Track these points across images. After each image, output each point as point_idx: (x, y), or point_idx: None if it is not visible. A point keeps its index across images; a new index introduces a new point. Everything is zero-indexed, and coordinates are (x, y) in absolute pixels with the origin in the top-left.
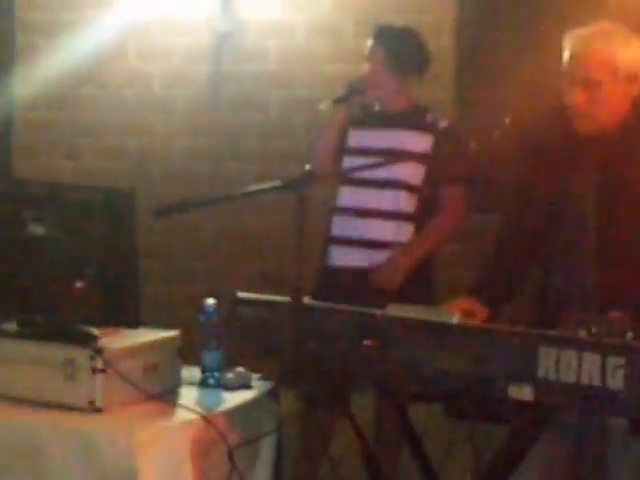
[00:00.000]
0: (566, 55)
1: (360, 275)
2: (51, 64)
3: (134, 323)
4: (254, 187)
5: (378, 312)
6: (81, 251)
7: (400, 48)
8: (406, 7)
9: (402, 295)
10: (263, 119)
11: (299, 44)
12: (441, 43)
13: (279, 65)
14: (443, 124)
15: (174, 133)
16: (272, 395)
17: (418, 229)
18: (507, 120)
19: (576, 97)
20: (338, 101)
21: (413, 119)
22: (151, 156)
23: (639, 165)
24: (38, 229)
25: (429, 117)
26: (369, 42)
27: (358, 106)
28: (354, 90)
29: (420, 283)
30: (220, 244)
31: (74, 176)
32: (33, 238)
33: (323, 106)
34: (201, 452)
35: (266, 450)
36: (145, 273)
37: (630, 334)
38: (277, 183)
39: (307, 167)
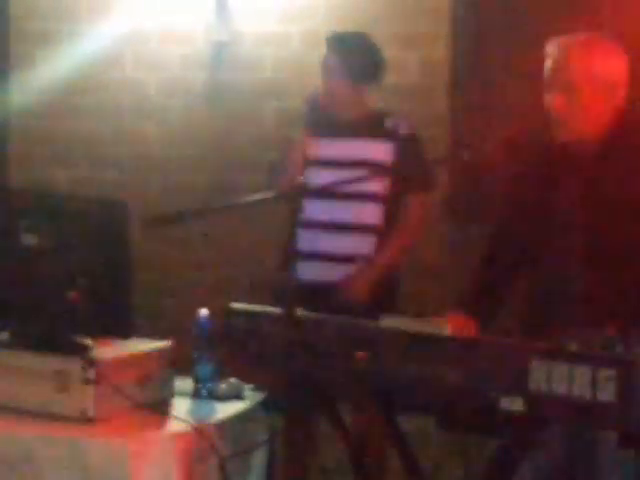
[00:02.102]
0: (547, 62)
1: (326, 290)
2: (47, 73)
3: (126, 333)
4: (247, 198)
5: (371, 324)
6: (74, 261)
7: (354, 55)
8: (401, 18)
9: (367, 306)
10: (258, 128)
11: (294, 54)
12: (436, 54)
13: (274, 75)
14: (404, 130)
15: (170, 142)
16: (264, 406)
17: (382, 239)
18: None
19: (554, 101)
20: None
21: (371, 126)
22: (147, 165)
23: (624, 177)
24: (31, 239)
25: (388, 123)
26: (323, 51)
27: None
28: (312, 107)
29: (384, 293)
30: (213, 255)
31: (69, 186)
32: (26, 248)
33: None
34: (192, 462)
35: (258, 461)
36: (138, 283)
37: (621, 346)
38: (270, 194)
39: (300, 179)
